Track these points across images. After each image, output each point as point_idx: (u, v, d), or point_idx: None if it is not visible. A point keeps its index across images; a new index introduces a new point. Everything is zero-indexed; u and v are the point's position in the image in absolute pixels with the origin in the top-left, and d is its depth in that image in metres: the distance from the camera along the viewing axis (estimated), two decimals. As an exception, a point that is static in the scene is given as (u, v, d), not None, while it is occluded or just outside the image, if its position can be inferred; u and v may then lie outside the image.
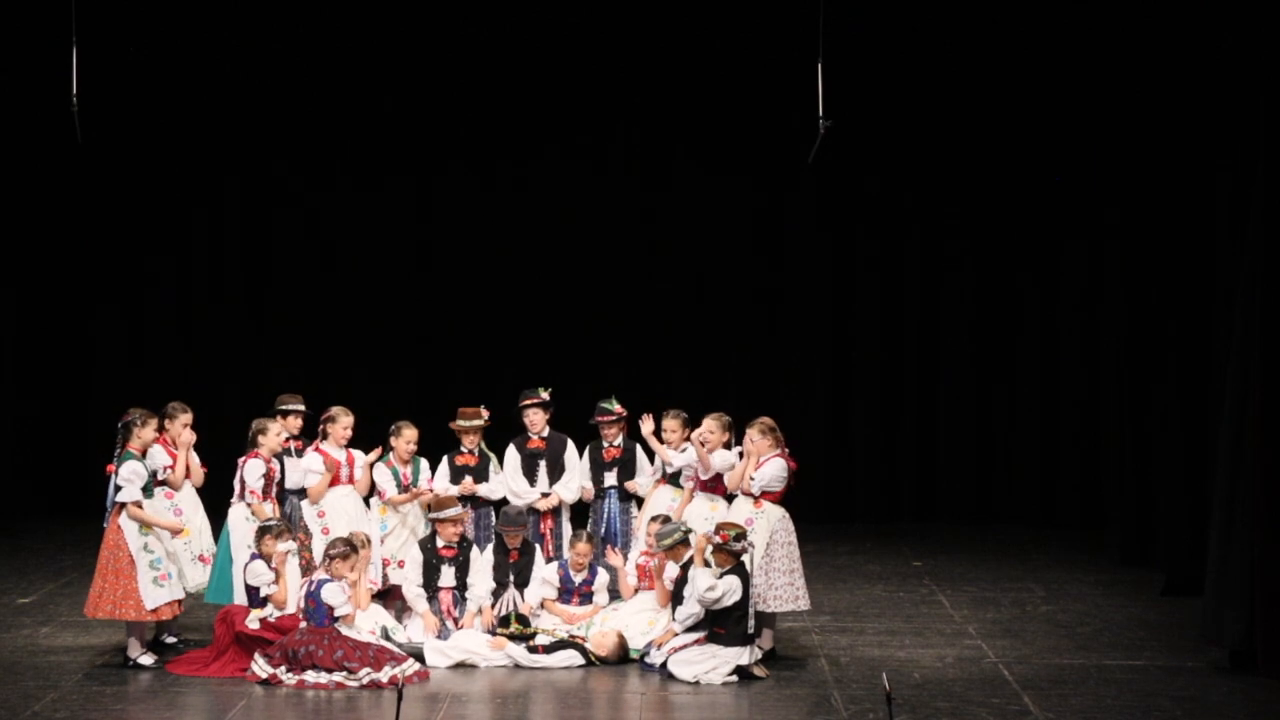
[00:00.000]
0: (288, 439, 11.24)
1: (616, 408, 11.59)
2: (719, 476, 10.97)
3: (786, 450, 10.77)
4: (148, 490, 10.42)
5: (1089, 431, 15.64)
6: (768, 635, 10.73)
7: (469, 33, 15.27)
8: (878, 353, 16.06)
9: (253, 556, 10.42)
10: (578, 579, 11.01)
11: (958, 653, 10.90)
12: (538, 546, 11.20)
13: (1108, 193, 14.66)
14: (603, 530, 11.58)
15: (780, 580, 10.58)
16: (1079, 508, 15.68)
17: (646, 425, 11.17)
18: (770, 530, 10.61)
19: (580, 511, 11.78)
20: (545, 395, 11.59)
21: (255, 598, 10.39)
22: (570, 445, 11.63)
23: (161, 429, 10.76)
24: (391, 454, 11.40)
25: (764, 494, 10.66)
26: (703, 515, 10.91)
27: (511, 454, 11.58)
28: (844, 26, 12.74)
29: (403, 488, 11.33)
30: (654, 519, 11.00)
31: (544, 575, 10.98)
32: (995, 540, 15.07)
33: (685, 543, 10.51)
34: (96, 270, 15.96)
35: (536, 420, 11.57)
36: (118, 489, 10.37)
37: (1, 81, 14.69)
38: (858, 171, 15.74)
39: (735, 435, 11.02)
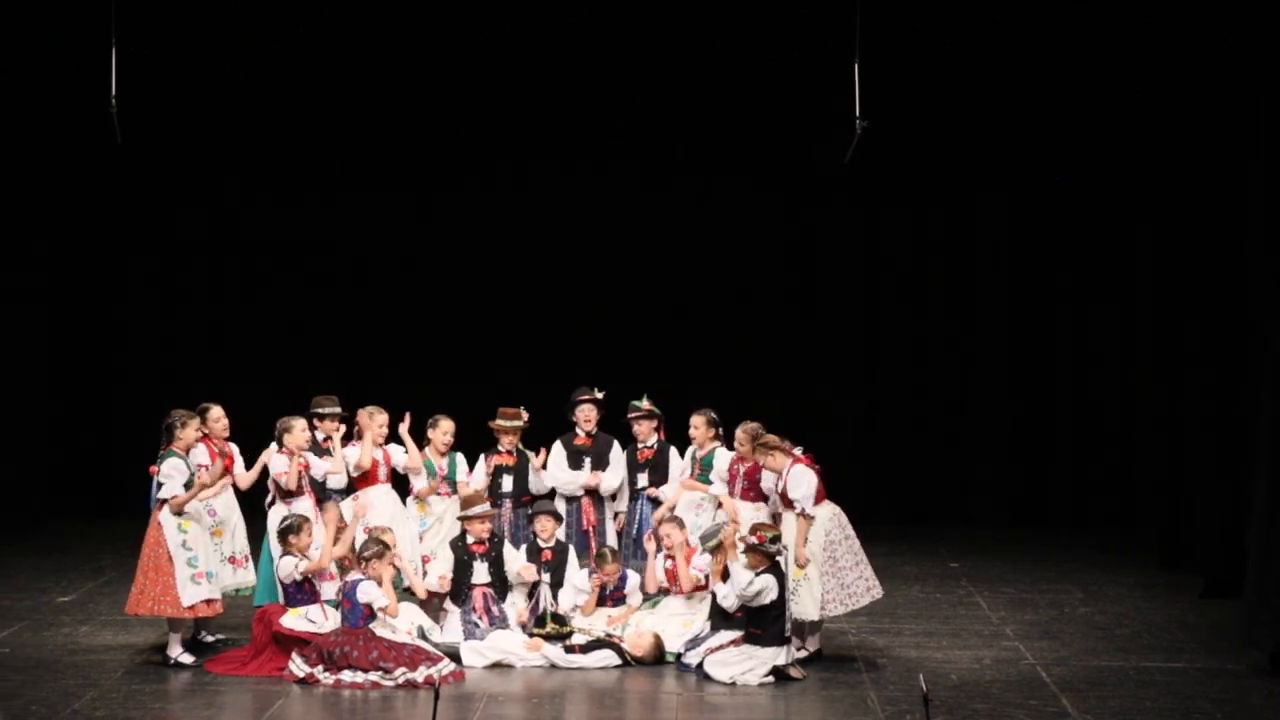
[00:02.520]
0: (325, 439, 11.26)
1: (645, 404, 11.61)
2: (759, 483, 10.98)
3: (798, 452, 10.70)
4: (189, 487, 10.47)
5: (1126, 432, 15.57)
6: (813, 638, 10.70)
7: (509, 32, 15.26)
8: (910, 352, 16.03)
9: (283, 554, 10.46)
10: (609, 587, 10.99)
11: (995, 654, 10.86)
12: (571, 547, 11.20)
13: (1141, 190, 14.59)
14: (634, 532, 11.58)
15: (850, 576, 10.51)
16: (1117, 509, 15.61)
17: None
18: (825, 531, 10.55)
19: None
20: (599, 396, 11.64)
21: (293, 596, 10.43)
22: (616, 445, 11.66)
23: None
24: (428, 446, 11.43)
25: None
26: (746, 520, 10.89)
27: (558, 450, 11.61)
28: (879, 27, 12.72)
29: (437, 481, 11.36)
30: (670, 519, 11.03)
31: (576, 583, 10.97)
32: (1032, 542, 15.01)
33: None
34: (131, 269, 16.06)
35: (590, 416, 11.60)
36: (159, 486, 10.43)
37: (42, 82, 14.79)
38: (889, 171, 15.70)
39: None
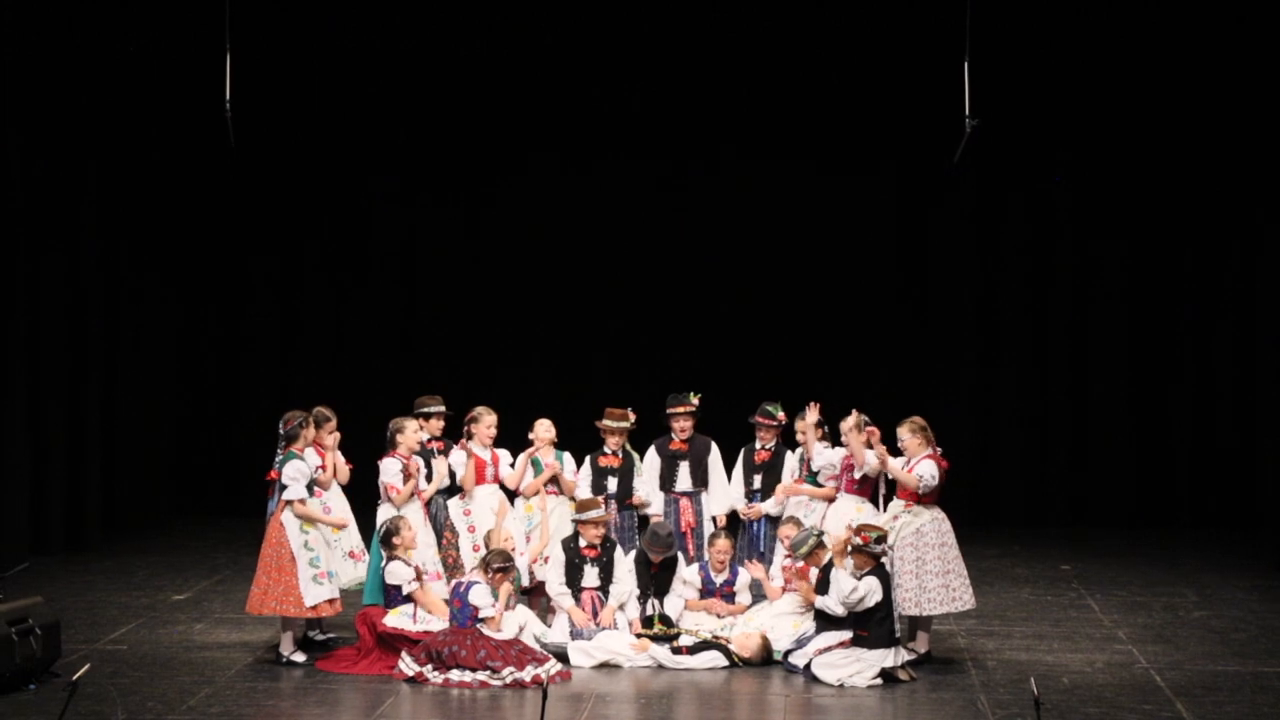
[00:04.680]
0: (430, 440, 11.35)
1: (780, 415, 11.54)
2: (865, 478, 10.93)
3: (938, 450, 10.65)
4: (310, 489, 10.61)
5: (1244, 431, 15.31)
6: (923, 639, 10.64)
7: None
8: (1026, 353, 15.87)
9: (389, 558, 10.53)
10: (719, 579, 10.99)
11: (1108, 658, 10.73)
12: (680, 556, 11.17)
13: (1262, 189, 14.34)
14: (754, 529, 11.52)
15: (933, 583, 10.46)
16: (1234, 510, 15.36)
17: (812, 414, 11.13)
18: (918, 531, 10.50)
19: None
20: (695, 403, 11.58)
21: (394, 597, 10.51)
22: (714, 448, 11.60)
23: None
24: (531, 448, 11.46)
25: (922, 497, 10.57)
26: (847, 516, 10.86)
27: (651, 455, 11.59)
28: (990, 25, 12.62)
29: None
30: (787, 520, 10.98)
31: (685, 576, 10.97)
32: (1146, 543, 14.81)
33: (822, 546, 10.44)
34: (248, 273, 16.28)
35: (685, 428, 11.56)
36: (283, 488, 10.56)
37: (159, 88, 15.06)
38: (1004, 170, 15.56)
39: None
